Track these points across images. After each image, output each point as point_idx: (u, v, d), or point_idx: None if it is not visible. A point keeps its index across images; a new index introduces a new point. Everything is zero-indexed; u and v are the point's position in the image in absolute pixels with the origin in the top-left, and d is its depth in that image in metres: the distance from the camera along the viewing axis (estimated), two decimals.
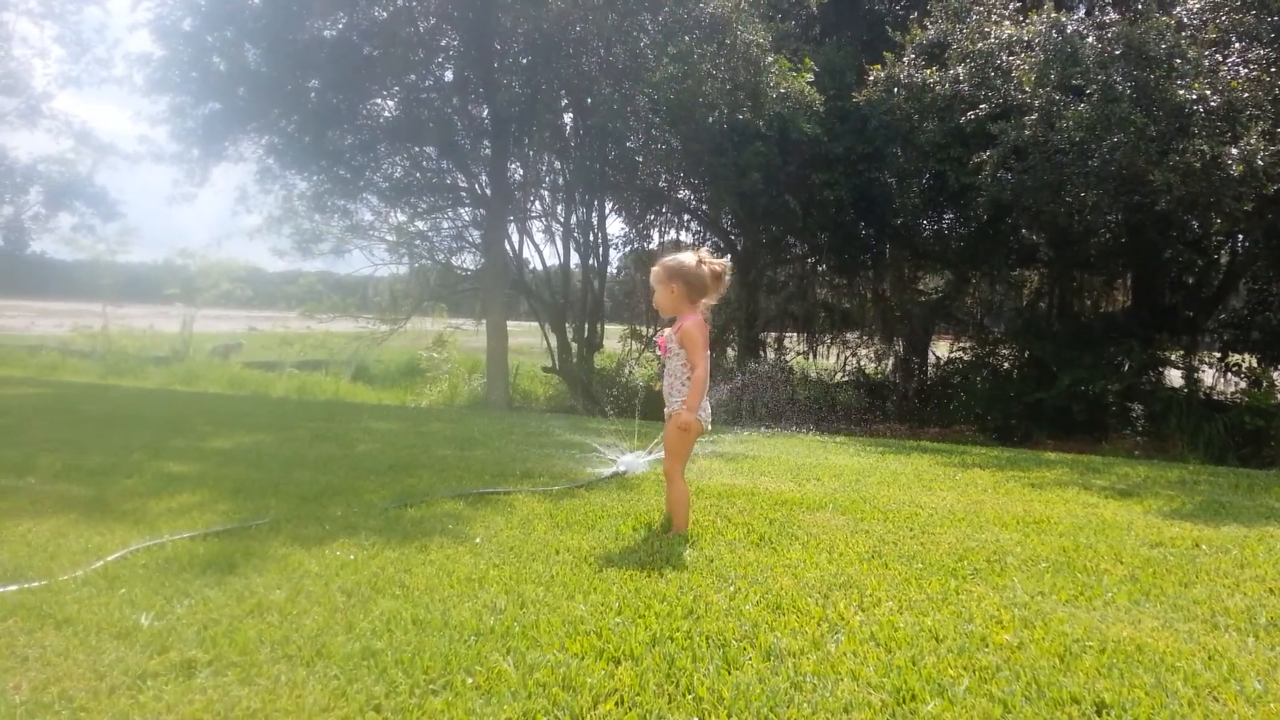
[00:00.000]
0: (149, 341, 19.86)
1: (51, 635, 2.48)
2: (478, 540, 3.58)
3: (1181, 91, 8.14)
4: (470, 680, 2.22)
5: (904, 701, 2.15)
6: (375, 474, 5.15)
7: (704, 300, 3.85)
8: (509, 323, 14.44)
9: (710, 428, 3.97)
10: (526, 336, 18.78)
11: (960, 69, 10.30)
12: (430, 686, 2.19)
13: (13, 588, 2.85)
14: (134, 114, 14.98)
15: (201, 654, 2.36)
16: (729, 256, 15.86)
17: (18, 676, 2.22)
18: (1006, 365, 14.08)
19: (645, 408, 12.41)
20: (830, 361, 17.85)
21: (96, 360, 17.19)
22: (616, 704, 2.12)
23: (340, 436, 7.05)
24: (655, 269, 3.93)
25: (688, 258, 3.85)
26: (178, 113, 12.96)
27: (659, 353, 4.08)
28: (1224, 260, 13.03)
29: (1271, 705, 2.15)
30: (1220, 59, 8.49)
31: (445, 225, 16.19)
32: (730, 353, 16.63)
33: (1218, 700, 2.18)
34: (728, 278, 3.92)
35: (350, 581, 2.99)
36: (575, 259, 16.13)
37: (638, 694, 2.17)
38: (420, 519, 3.96)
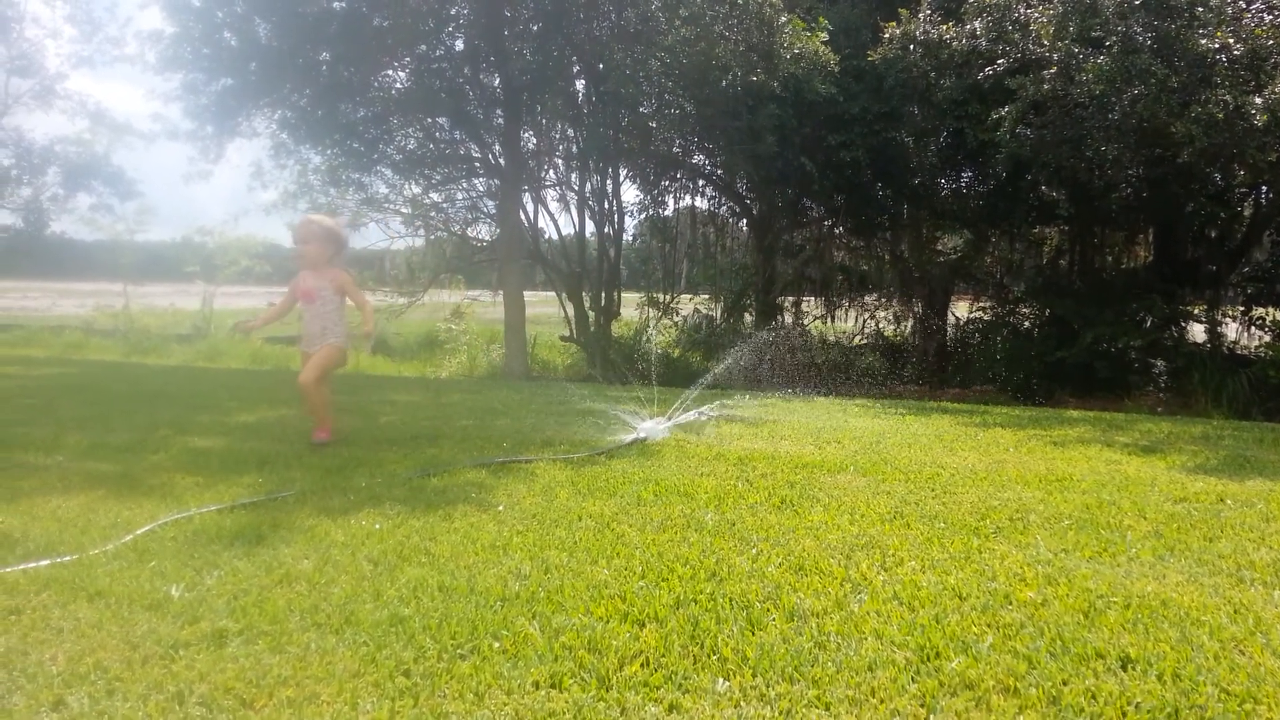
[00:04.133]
0: (171, 319, 19.98)
1: (85, 608, 2.53)
2: (501, 508, 3.61)
3: (1204, 40, 7.98)
4: (497, 645, 2.25)
5: (928, 659, 2.16)
6: (398, 445, 5.19)
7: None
8: (526, 293, 14.41)
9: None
10: (544, 306, 18.79)
11: (977, 23, 10.14)
12: (458, 651, 2.22)
13: (45, 562, 2.90)
14: (147, 92, 15.11)
15: (232, 624, 2.40)
16: (745, 221, 15.77)
17: (54, 648, 2.26)
18: (1027, 324, 13.92)
19: (664, 374, 12.41)
20: (849, 324, 17.75)
21: (120, 339, 17.32)
22: (642, 665, 2.14)
23: (362, 409, 7.10)
24: (311, 229, 5.16)
25: (333, 222, 5.34)
26: (190, 90, 12.94)
27: (304, 301, 5.18)
28: (1247, 213, 12.80)
29: None
30: (1244, 6, 8.30)
31: (460, 197, 16.14)
32: (748, 318, 16.57)
33: (1243, 653, 2.18)
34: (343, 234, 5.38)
35: (377, 550, 3.03)
36: (590, 227, 16.05)
37: (663, 655, 2.19)
38: (444, 488, 3.99)
